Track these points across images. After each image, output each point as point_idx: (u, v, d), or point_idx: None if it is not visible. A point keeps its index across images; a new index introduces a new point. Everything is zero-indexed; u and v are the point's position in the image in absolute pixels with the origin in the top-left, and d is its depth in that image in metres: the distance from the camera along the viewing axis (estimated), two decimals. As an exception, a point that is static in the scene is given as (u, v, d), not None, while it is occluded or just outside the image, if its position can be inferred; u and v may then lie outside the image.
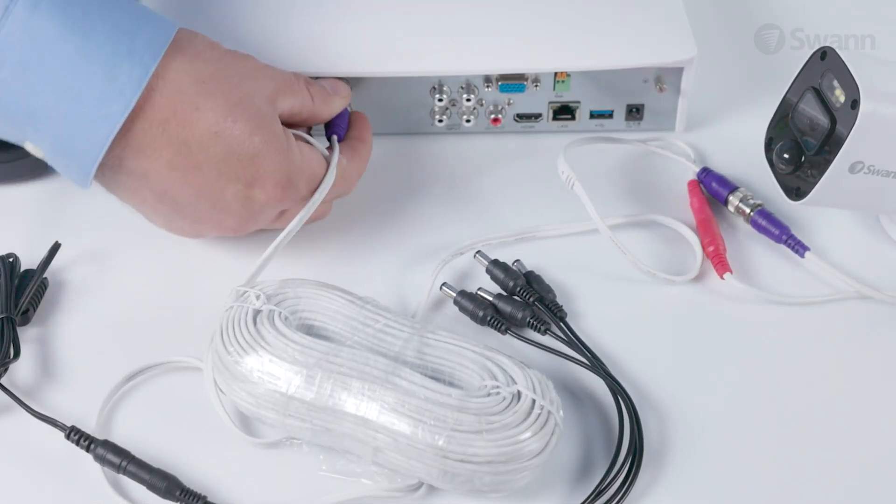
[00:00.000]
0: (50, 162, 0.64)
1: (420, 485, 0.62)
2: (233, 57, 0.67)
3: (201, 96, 0.64)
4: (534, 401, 0.60)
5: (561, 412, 0.61)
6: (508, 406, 0.60)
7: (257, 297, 0.64)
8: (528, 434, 0.59)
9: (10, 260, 0.70)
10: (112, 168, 0.64)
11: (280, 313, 0.64)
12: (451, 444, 0.59)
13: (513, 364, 0.62)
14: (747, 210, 0.75)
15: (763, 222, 0.74)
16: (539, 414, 0.60)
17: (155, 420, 0.65)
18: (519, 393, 0.61)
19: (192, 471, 0.63)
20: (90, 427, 0.63)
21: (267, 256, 0.68)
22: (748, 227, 0.75)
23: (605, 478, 0.62)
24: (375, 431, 0.60)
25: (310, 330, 0.64)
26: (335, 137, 0.73)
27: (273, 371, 0.61)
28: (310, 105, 0.71)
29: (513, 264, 0.72)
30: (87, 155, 0.62)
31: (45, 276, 0.70)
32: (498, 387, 0.61)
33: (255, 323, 0.63)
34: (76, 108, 0.61)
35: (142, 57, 0.62)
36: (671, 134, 0.81)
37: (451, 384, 0.62)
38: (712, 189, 0.77)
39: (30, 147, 0.64)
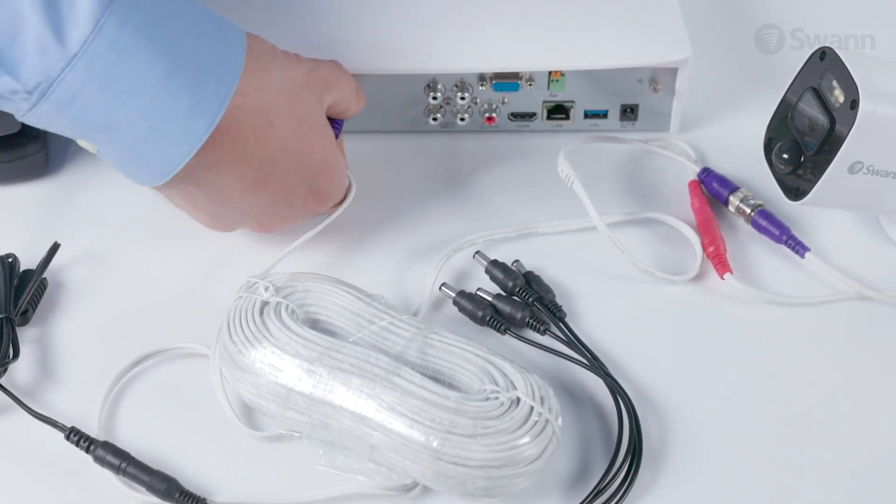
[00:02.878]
0: (111, 163, 0.64)
1: (415, 485, 0.62)
2: (289, 62, 0.67)
3: (275, 112, 0.64)
4: (532, 408, 0.60)
5: (559, 421, 0.61)
6: (506, 412, 0.60)
7: (266, 289, 0.64)
8: (523, 441, 0.59)
9: (10, 260, 0.70)
10: (178, 178, 0.63)
11: (287, 306, 0.64)
12: (445, 446, 0.58)
13: (514, 369, 0.62)
14: (748, 210, 0.75)
15: (763, 222, 0.74)
16: (536, 421, 0.60)
17: (158, 410, 0.66)
18: (518, 399, 0.60)
19: (194, 461, 0.63)
20: (93, 419, 0.64)
21: (288, 252, 0.69)
22: (749, 228, 0.75)
23: (605, 478, 0.62)
24: (372, 429, 0.60)
25: (315, 324, 0.65)
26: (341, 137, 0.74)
27: (275, 363, 0.62)
28: (350, 99, 0.71)
29: (512, 264, 0.72)
30: (162, 168, 0.62)
31: (44, 276, 0.70)
32: (497, 391, 0.60)
33: (261, 314, 0.63)
34: (160, 125, 0.60)
35: (225, 72, 0.61)
36: (672, 134, 0.81)
37: (451, 386, 0.62)
38: (713, 189, 0.77)
39: (83, 143, 0.63)
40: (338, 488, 0.62)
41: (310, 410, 0.61)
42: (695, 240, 0.74)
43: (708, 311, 0.71)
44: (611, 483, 0.62)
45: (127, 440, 0.63)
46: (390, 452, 0.60)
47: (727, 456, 0.64)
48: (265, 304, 0.64)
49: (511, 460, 0.59)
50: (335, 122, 0.74)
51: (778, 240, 0.74)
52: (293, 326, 0.63)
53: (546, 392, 0.61)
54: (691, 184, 0.77)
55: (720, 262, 0.72)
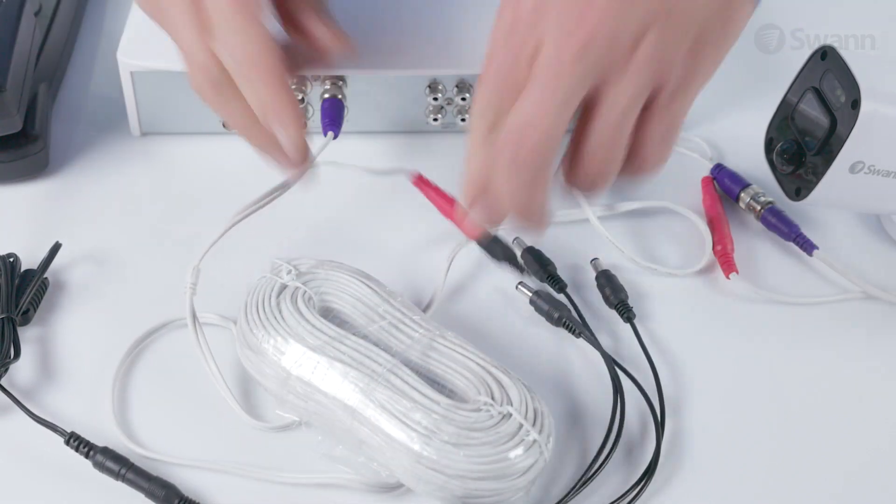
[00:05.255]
0: None
1: (400, 484, 0.61)
2: None
3: None
4: (521, 425, 0.59)
5: (550, 442, 0.60)
6: (495, 425, 0.59)
7: (287, 273, 0.65)
8: (507, 457, 0.58)
9: (11, 260, 0.69)
10: None
11: (304, 292, 0.64)
12: (426, 450, 0.58)
13: (513, 383, 0.61)
14: (758, 207, 0.75)
15: (773, 220, 0.74)
16: (524, 439, 0.59)
17: (160, 407, 0.66)
18: (509, 414, 0.60)
19: (196, 455, 0.63)
20: (95, 419, 0.64)
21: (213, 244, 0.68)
22: (758, 224, 0.76)
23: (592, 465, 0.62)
24: (360, 424, 0.60)
25: (328, 312, 0.65)
26: (331, 133, 0.73)
27: (280, 346, 0.62)
28: None
29: (513, 240, 0.72)
30: None
31: (45, 276, 0.70)
32: (490, 404, 0.60)
33: (278, 296, 0.64)
34: None
35: None
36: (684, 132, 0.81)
37: (448, 392, 0.61)
38: (725, 185, 0.77)
39: None
40: (324, 475, 0.61)
41: (306, 397, 0.62)
42: (705, 233, 0.74)
43: (713, 308, 0.71)
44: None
45: (129, 436, 0.63)
46: (376, 449, 0.60)
47: (727, 455, 0.64)
48: (284, 287, 0.64)
49: (491, 474, 0.58)
50: (333, 123, 0.74)
51: (787, 237, 0.74)
52: (304, 312, 0.63)
53: (542, 414, 0.60)
54: (704, 180, 0.78)
55: (727, 262, 0.72)
